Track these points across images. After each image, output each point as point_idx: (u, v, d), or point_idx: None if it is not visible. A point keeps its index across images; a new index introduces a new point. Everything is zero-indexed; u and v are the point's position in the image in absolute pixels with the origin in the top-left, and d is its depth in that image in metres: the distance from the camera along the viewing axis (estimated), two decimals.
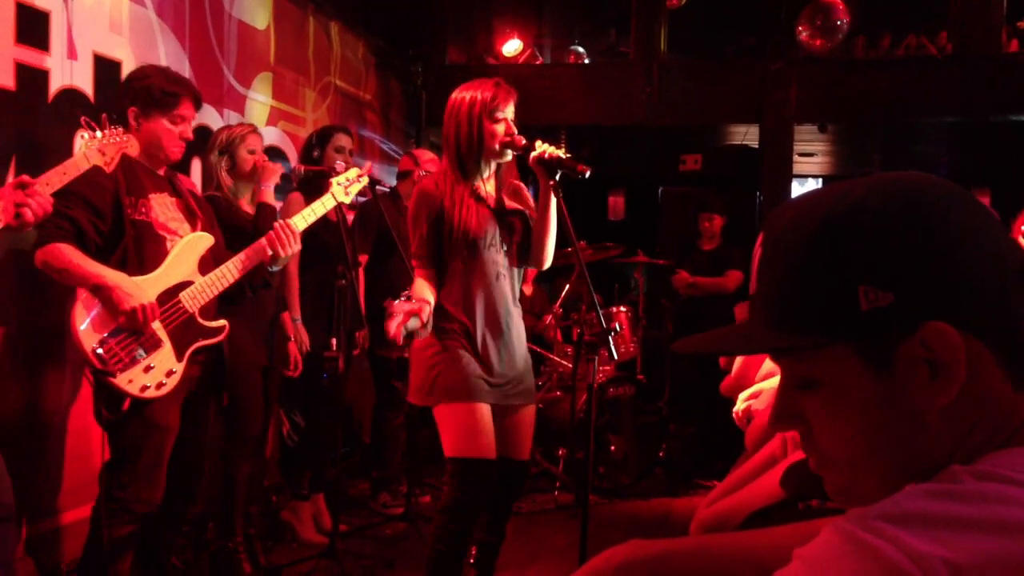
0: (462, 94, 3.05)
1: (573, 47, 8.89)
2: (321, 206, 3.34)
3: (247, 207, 3.79)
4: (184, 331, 2.97)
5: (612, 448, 5.70)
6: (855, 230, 0.81)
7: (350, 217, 4.72)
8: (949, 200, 0.82)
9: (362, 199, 4.48)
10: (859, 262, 0.81)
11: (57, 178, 2.52)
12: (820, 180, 11.31)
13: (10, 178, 3.11)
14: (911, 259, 0.79)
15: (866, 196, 0.83)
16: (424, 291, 3.02)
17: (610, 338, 2.84)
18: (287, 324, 4.11)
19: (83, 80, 3.49)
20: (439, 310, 3.05)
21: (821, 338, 0.83)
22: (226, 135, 3.77)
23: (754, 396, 2.89)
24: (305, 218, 3.28)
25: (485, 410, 3.00)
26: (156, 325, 2.87)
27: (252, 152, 3.77)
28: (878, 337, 0.81)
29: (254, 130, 3.85)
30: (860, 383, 0.83)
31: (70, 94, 3.42)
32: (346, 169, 3.52)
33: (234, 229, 3.50)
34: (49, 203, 2.48)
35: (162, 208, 3.02)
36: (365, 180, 3.50)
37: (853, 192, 0.84)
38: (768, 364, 3.27)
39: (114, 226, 2.89)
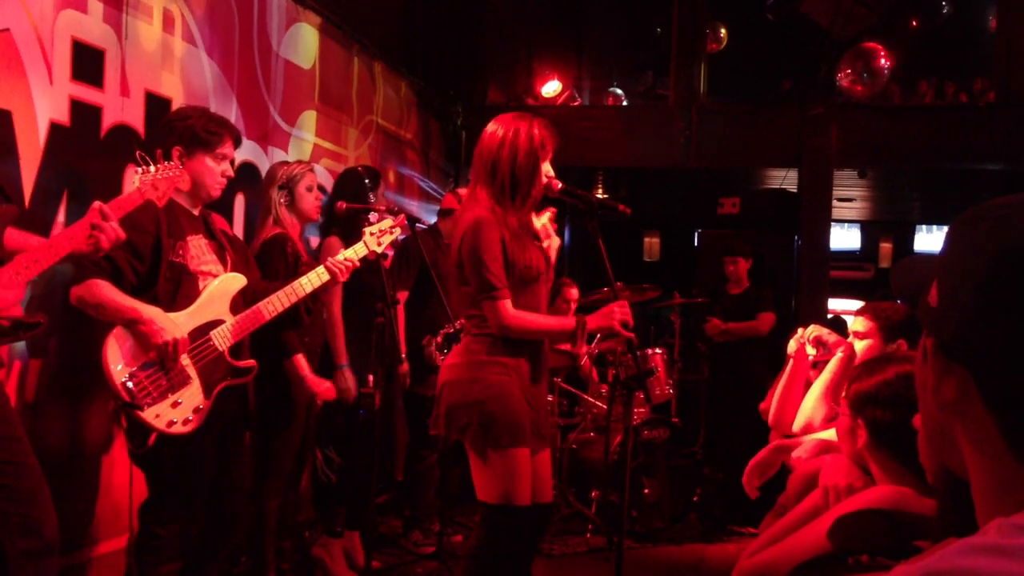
0: (516, 125, 2.92)
1: (611, 89, 8.96)
2: (353, 253, 3.37)
3: (301, 242, 3.85)
4: (213, 369, 2.96)
5: (646, 491, 5.64)
6: None
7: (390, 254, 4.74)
8: None
9: (402, 236, 4.51)
10: None
11: (112, 212, 2.56)
12: (859, 225, 11.24)
13: (61, 212, 3.18)
14: None
15: None
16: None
17: (647, 381, 2.82)
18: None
19: (134, 117, 3.56)
20: (494, 343, 2.91)
21: None
22: (286, 171, 3.86)
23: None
24: (356, 252, 3.34)
25: (528, 455, 2.90)
26: (186, 361, 2.87)
27: (310, 190, 3.87)
28: None
29: (312, 169, 3.96)
30: None
31: (121, 130, 3.49)
32: (380, 219, 3.52)
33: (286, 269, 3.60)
34: (122, 231, 2.53)
35: (198, 251, 3.05)
36: (397, 232, 3.51)
37: None
38: (806, 406, 3.20)
39: (151, 267, 2.91)
